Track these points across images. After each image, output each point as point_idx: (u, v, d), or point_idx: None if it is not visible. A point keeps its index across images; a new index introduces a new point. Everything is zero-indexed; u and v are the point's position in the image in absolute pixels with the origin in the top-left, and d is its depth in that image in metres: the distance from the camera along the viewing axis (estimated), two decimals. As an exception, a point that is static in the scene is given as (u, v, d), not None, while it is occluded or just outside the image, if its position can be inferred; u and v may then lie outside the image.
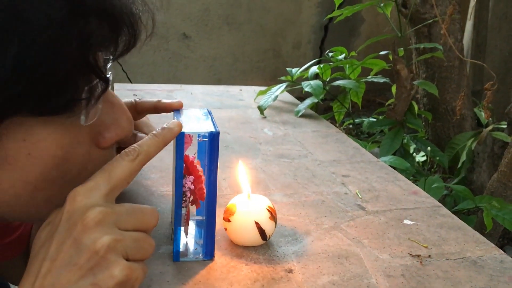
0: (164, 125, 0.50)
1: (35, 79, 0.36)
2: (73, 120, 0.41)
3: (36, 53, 0.36)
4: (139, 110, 0.69)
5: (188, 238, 0.59)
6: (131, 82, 3.13)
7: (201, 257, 0.57)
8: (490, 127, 1.65)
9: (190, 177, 0.54)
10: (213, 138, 0.53)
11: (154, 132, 0.48)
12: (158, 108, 0.68)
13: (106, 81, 0.42)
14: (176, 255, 0.57)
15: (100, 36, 0.39)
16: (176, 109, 0.64)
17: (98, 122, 0.44)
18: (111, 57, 0.43)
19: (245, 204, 0.60)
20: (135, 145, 0.46)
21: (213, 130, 0.53)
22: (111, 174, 0.43)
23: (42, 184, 0.42)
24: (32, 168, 0.41)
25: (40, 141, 0.40)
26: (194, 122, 0.57)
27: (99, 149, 0.46)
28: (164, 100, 0.68)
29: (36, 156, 0.41)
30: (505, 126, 1.69)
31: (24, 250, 0.72)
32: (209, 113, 0.60)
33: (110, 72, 0.43)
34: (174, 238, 0.56)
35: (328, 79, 1.51)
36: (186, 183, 0.54)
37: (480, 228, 1.30)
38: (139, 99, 0.70)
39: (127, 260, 0.42)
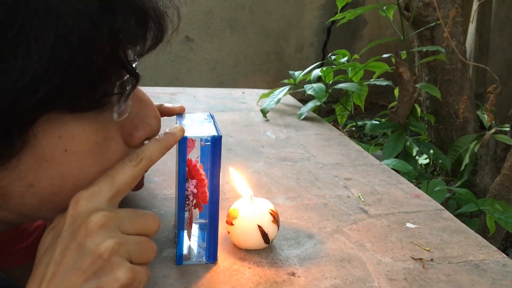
0: (167, 130, 0.50)
1: (70, 74, 0.37)
2: (106, 117, 0.42)
3: (70, 48, 0.36)
4: None
5: (191, 242, 0.59)
6: (134, 85, 3.13)
7: (204, 260, 0.58)
8: (493, 130, 1.65)
9: (193, 180, 0.54)
10: (216, 142, 0.53)
11: (157, 137, 0.49)
12: (160, 111, 0.68)
13: (136, 77, 0.42)
14: (179, 259, 0.57)
15: (129, 31, 0.40)
16: (178, 113, 0.64)
17: (128, 121, 0.45)
18: (140, 53, 0.44)
19: (248, 208, 0.60)
20: (138, 150, 0.47)
21: (216, 134, 0.53)
22: (115, 178, 0.44)
23: (84, 181, 0.43)
24: (70, 164, 0.42)
25: (75, 137, 0.41)
26: (197, 126, 0.57)
27: (129, 147, 0.47)
28: (167, 104, 0.68)
29: (72, 152, 0.41)
30: (508, 129, 1.69)
31: None
32: (212, 117, 0.60)
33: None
34: (177, 241, 0.56)
35: (330, 82, 1.52)
36: (189, 187, 0.54)
37: (483, 231, 1.30)
38: None
39: (130, 263, 0.42)
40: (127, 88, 0.42)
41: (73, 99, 0.39)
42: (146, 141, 0.51)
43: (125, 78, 0.42)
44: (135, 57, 0.43)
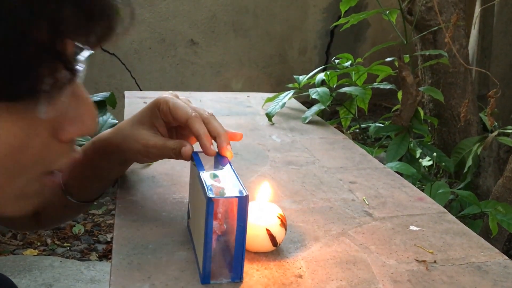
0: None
1: None
2: (32, 110, 0.38)
3: (2, 33, 0.33)
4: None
5: (216, 260, 0.57)
6: (140, 89, 3.17)
7: (229, 279, 0.57)
8: (495, 132, 1.67)
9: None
10: (242, 201, 0.54)
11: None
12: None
13: (73, 72, 0.38)
14: (204, 278, 0.56)
15: (73, 23, 0.36)
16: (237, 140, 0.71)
17: (62, 115, 0.42)
18: (83, 47, 0.39)
19: (257, 212, 0.62)
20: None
21: (242, 194, 0.54)
22: None
23: None
24: None
25: None
26: (221, 181, 0.57)
27: (58, 142, 0.43)
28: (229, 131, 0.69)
29: None
30: (511, 131, 1.71)
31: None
32: (230, 166, 0.62)
33: (81, 64, 0.40)
34: (203, 262, 0.56)
35: (334, 86, 1.53)
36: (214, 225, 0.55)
37: (486, 232, 1.32)
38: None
39: None
40: (61, 83, 0.38)
41: None
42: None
43: (60, 72, 0.37)
44: (79, 48, 0.39)
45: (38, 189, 0.45)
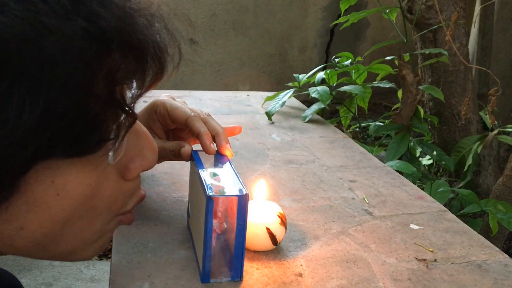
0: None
1: (65, 124, 0.35)
2: (100, 157, 0.40)
3: (65, 97, 0.34)
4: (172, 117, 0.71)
5: (215, 259, 0.57)
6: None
7: (229, 277, 0.57)
8: (495, 131, 1.66)
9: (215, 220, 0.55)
10: (242, 200, 0.53)
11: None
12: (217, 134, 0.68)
13: (133, 116, 0.40)
14: (204, 277, 0.56)
15: (126, 71, 0.38)
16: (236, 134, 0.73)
17: (124, 154, 0.44)
18: (138, 92, 0.41)
19: (257, 211, 0.62)
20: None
21: (241, 192, 0.54)
22: None
23: (70, 220, 0.42)
24: (61, 207, 0.41)
25: (68, 182, 0.40)
26: (221, 180, 0.57)
27: (125, 181, 0.46)
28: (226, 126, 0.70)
29: (64, 196, 0.40)
30: (511, 130, 1.70)
31: None
32: (230, 164, 0.62)
33: (135, 104, 0.42)
34: (203, 261, 0.56)
35: (334, 85, 1.53)
36: (214, 224, 0.55)
37: (486, 231, 1.32)
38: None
39: None
40: (124, 128, 0.40)
41: (68, 147, 0.37)
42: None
43: (122, 118, 0.39)
44: (133, 96, 0.41)
45: (113, 227, 0.48)
